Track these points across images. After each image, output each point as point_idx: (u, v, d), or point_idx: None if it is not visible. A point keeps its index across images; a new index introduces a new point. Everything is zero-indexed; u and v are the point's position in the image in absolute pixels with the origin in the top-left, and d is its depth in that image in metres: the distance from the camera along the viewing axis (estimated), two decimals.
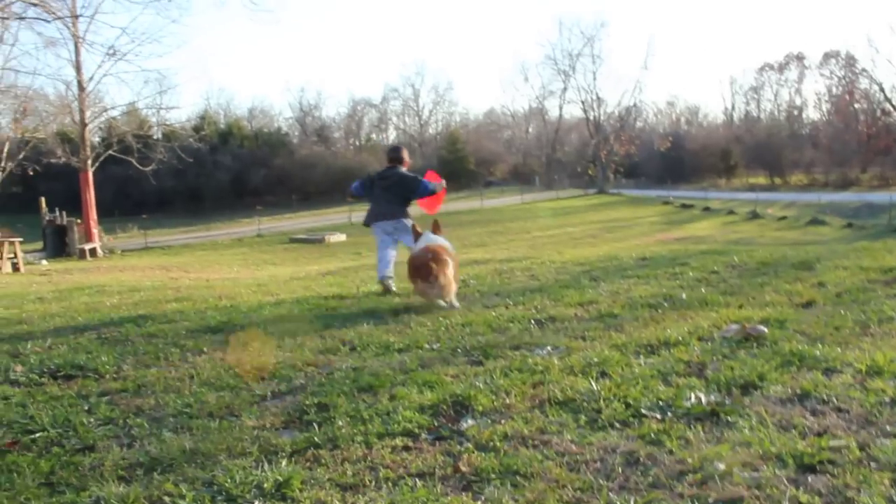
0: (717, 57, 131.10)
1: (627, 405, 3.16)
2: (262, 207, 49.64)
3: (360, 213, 42.49)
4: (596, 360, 3.90)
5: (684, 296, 6.01)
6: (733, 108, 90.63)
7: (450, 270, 6.40)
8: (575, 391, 3.39)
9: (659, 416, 3.02)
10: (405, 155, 8.71)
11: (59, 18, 19.03)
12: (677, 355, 3.94)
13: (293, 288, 9.42)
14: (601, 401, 3.22)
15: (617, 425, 2.98)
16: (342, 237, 34.71)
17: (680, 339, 4.32)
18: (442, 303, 6.38)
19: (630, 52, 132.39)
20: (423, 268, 6.30)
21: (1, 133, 33.24)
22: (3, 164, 31.35)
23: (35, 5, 16.38)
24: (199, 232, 43.80)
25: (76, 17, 23.24)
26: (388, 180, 8.35)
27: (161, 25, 56.48)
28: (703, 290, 6.32)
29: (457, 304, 6.39)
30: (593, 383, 3.49)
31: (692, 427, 2.88)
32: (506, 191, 65.33)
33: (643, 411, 3.08)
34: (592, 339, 4.53)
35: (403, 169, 8.52)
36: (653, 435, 2.83)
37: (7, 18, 20.71)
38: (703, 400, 3.17)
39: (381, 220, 8.32)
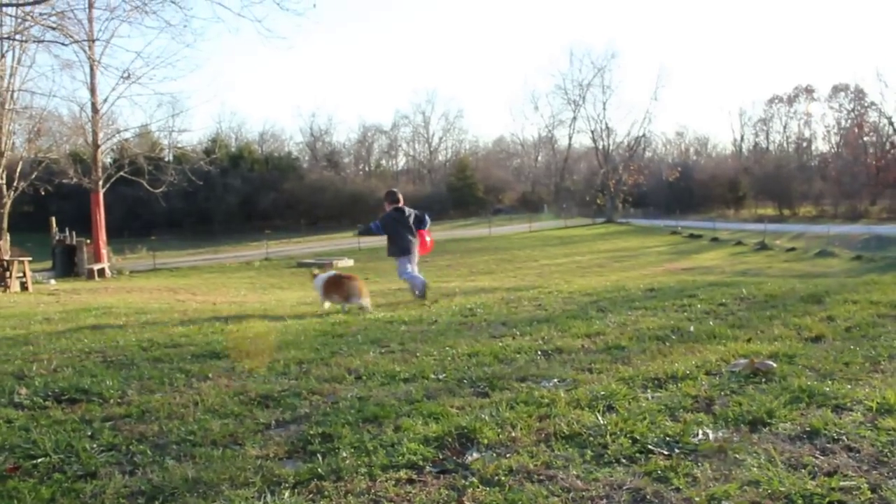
0: (726, 88, 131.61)
1: (634, 440, 3.12)
2: (271, 231, 49.77)
3: (368, 238, 42.52)
4: (602, 393, 3.86)
5: (692, 328, 5.96)
6: (742, 139, 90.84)
7: (358, 282, 9.46)
8: (581, 425, 3.36)
9: (666, 452, 2.98)
10: (401, 197, 10.89)
11: (77, 42, 19.19)
12: (685, 389, 3.90)
13: (300, 313, 9.39)
14: (608, 436, 3.19)
15: (623, 461, 2.94)
16: (350, 262, 34.70)
17: (688, 372, 4.27)
18: (361, 302, 9.11)
19: (640, 83, 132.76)
20: (342, 279, 9.44)
21: (15, 153, 33.49)
22: (15, 184, 31.57)
23: (54, 29, 16.57)
24: (207, 254, 43.92)
25: (93, 40, 23.48)
26: (409, 218, 10.52)
27: (175, 50, 56.90)
28: (711, 322, 6.27)
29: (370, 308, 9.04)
30: (600, 417, 3.46)
31: (700, 464, 2.84)
32: (514, 219, 65.43)
33: (650, 447, 3.05)
34: (599, 372, 4.49)
35: (406, 207, 10.70)
36: (660, 472, 2.79)
37: (26, 41, 20.97)
38: (711, 436, 3.13)
39: (411, 252, 10.50)
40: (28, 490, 2.91)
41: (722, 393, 3.82)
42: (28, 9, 17.03)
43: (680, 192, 72.76)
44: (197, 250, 46.32)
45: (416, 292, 10.44)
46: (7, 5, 18.42)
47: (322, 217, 66.46)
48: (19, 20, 18.58)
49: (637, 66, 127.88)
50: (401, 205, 10.63)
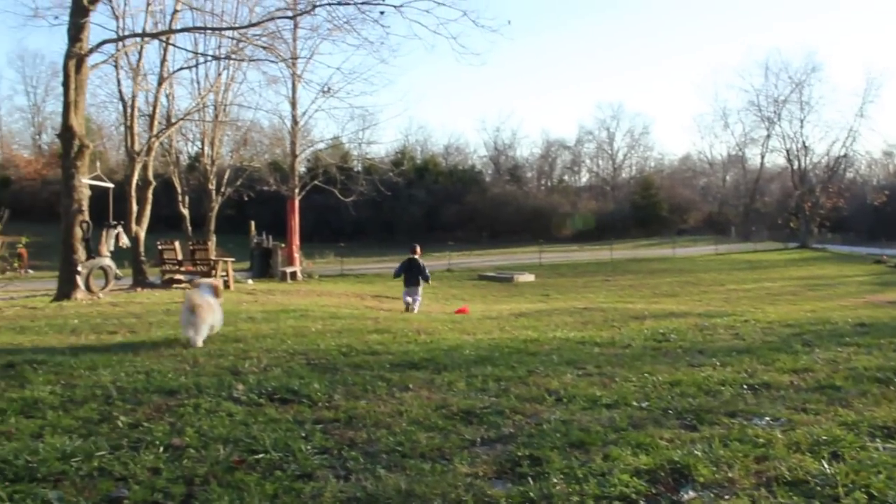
0: None
1: (871, 497, 2.86)
2: (453, 243, 50.62)
3: (548, 254, 42.72)
4: (825, 438, 3.59)
5: None
6: None
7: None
8: (805, 472, 3.13)
9: None
10: (419, 249, 17.16)
11: (283, 60, 20.55)
12: None
13: (488, 328, 9.48)
14: (839, 487, 2.94)
15: None
16: (531, 277, 34.73)
17: None
18: None
19: (844, 98, 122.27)
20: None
21: (223, 161, 36.20)
22: (223, 189, 34.07)
23: (265, 49, 17.84)
24: (391, 262, 45.11)
25: (296, 58, 25.04)
26: (413, 266, 16.62)
27: (370, 65, 59.28)
28: None
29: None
30: (825, 465, 3.20)
31: None
32: (699, 240, 63.07)
33: None
34: (816, 413, 4.19)
35: (418, 259, 16.69)
36: None
37: (242, 60, 22.72)
38: None
39: (411, 286, 16.58)
40: (254, 484, 3.08)
41: None
42: (243, 31, 18.46)
43: (887, 217, 67.24)
44: (381, 258, 47.83)
45: (406, 310, 15.99)
46: (228, 28, 20.01)
47: (503, 231, 66.99)
48: (235, 41, 20.11)
49: (841, 80, 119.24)
50: (414, 256, 16.70)
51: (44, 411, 4.32)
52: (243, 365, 5.89)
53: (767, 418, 4.09)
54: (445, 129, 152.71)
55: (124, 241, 17.56)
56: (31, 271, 31.74)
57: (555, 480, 3.06)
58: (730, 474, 3.13)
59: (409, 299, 16.30)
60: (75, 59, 14.77)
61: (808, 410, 4.28)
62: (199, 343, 7.24)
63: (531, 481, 3.07)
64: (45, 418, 4.16)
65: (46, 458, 3.36)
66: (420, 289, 16.71)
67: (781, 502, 2.85)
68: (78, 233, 14.98)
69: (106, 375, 5.40)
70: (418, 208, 65.34)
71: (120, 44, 19.91)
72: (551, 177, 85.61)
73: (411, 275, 16.56)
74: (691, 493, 2.94)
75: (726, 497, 2.90)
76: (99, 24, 26.28)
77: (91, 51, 15.36)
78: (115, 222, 17.09)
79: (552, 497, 2.89)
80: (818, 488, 2.97)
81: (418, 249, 17.03)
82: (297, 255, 32.68)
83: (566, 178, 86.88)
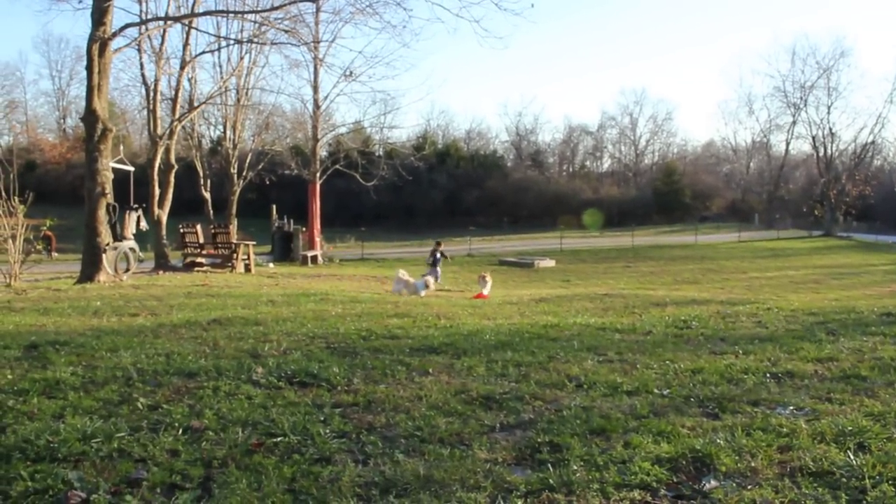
0: None
1: None
2: (474, 228, 50.53)
3: (569, 239, 42.49)
4: (850, 428, 3.53)
5: None
6: None
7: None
8: (830, 463, 3.08)
9: None
10: (439, 246, 25.82)
11: (306, 44, 20.58)
12: None
13: (508, 313, 9.44)
14: (865, 479, 2.88)
15: None
16: (551, 263, 34.59)
17: None
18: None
19: (873, 84, 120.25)
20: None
21: (245, 145, 36.36)
22: (244, 173, 34.22)
23: (286, 32, 17.85)
24: (411, 247, 45.21)
25: (318, 42, 25.02)
26: (430, 256, 25.60)
27: (393, 49, 58.96)
28: None
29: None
30: (851, 456, 3.15)
31: None
32: (722, 227, 62.49)
33: None
34: (841, 404, 4.12)
35: (439, 250, 25.49)
36: None
37: (264, 44, 22.78)
38: None
39: (429, 268, 23.83)
40: (272, 467, 3.08)
41: None
42: (265, 14, 18.48)
43: None
44: (402, 243, 47.87)
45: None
46: (250, 12, 20.04)
47: (524, 216, 66.81)
48: (258, 25, 20.13)
49: (870, 65, 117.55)
50: (437, 248, 25.31)
51: (65, 392, 4.35)
52: (263, 348, 5.90)
53: (791, 408, 4.03)
54: (467, 113, 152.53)
55: (144, 224, 17.67)
56: (55, 254, 32.07)
57: (574, 467, 3.03)
58: (752, 464, 3.09)
59: (428, 277, 20.46)
60: (99, 43, 14.81)
61: (833, 400, 4.21)
62: (399, 294, 14.91)
63: (551, 468, 3.05)
64: (66, 399, 4.18)
65: (67, 439, 3.38)
66: (437, 270, 24.72)
67: (806, 493, 2.80)
68: (102, 215, 15.07)
69: (127, 357, 5.43)
70: (439, 193, 65.26)
71: (143, 27, 19.98)
72: (573, 162, 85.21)
73: (430, 262, 25.37)
74: (713, 483, 2.90)
75: (749, 487, 2.86)
76: (122, 8, 26.57)
77: (114, 34, 15.40)
78: (136, 205, 17.20)
79: (572, 484, 2.86)
80: (844, 480, 2.92)
81: (436, 244, 25.95)
82: (317, 239, 32.80)
83: (588, 163, 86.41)
